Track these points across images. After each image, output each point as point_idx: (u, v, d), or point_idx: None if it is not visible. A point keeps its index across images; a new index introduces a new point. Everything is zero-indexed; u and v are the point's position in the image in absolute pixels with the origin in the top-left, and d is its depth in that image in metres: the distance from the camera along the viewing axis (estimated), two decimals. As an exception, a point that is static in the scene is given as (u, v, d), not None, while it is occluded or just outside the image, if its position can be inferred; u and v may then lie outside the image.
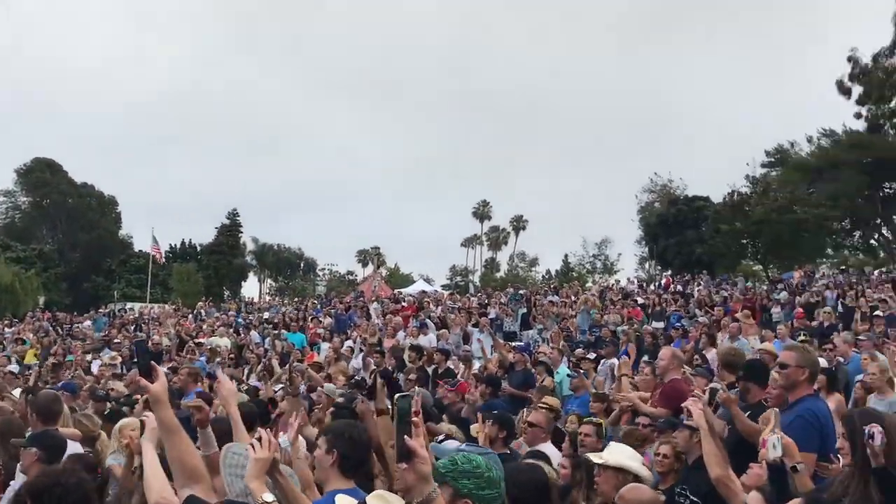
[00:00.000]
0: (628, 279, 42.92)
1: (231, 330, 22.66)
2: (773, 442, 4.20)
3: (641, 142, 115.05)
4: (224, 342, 18.57)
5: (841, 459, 3.90)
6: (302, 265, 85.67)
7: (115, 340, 20.76)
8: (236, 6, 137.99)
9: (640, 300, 25.53)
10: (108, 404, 8.78)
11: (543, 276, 72.25)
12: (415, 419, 2.58)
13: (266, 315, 28.34)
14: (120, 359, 16.64)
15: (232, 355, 16.56)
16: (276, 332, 20.80)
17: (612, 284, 38.31)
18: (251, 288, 77.08)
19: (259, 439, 3.09)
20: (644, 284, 38.38)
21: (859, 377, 8.87)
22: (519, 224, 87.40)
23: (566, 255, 70.26)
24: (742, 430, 5.00)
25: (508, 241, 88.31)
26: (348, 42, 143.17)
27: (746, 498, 3.88)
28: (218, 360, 15.77)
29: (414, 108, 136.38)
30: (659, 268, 52.43)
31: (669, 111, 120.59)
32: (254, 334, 21.39)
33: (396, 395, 2.67)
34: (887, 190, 46.10)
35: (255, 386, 11.53)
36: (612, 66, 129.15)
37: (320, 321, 23.39)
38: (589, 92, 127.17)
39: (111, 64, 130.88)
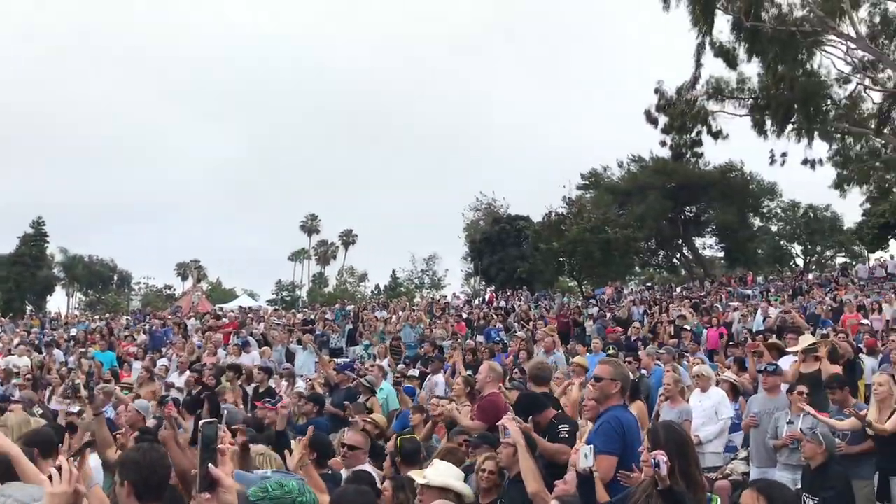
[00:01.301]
0: (454, 294, 43.84)
1: (32, 348, 20.82)
2: (585, 452, 4.39)
3: (469, 161, 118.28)
4: (23, 362, 17.02)
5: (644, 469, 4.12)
6: (115, 278, 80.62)
7: None
8: (54, 9, 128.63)
9: (465, 315, 26.13)
10: None
11: (372, 292, 72.24)
12: (221, 446, 2.44)
13: (73, 331, 26.34)
14: None
15: (30, 376, 15.19)
16: (84, 350, 19.36)
17: (439, 299, 39.00)
18: (59, 302, 71.53)
19: (59, 469, 2.65)
20: (470, 300, 39.38)
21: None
22: (348, 238, 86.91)
23: (394, 271, 70.72)
24: (545, 454, 5.22)
25: (337, 255, 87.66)
26: (164, 46, 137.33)
27: None
28: (14, 381, 14.41)
29: (236, 117, 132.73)
30: (483, 283, 53.93)
31: (498, 134, 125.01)
32: (57, 353, 19.77)
33: (201, 422, 2.50)
34: (688, 213, 50.27)
35: (55, 409, 10.65)
36: (443, 86, 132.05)
37: (133, 338, 22.07)
38: (420, 109, 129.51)
39: None
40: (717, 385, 9.31)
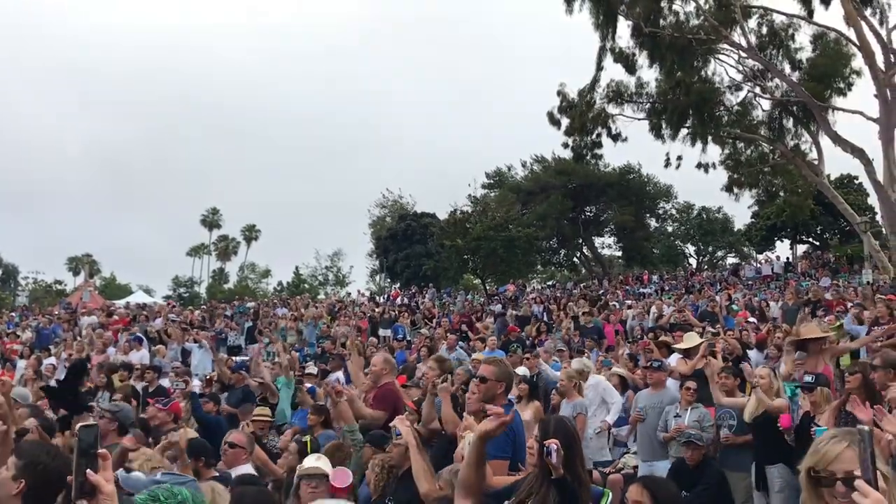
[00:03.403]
0: (359, 291, 43.60)
1: None
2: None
3: (375, 159, 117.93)
4: None
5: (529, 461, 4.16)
6: (0, 272, 76.38)
7: None
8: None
9: (367, 312, 25.97)
10: None
11: (275, 288, 70.88)
12: (101, 451, 2.30)
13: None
14: None
15: None
16: (-39, 349, 18.24)
17: (343, 296, 38.67)
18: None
19: None
20: (375, 297, 39.19)
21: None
22: (251, 234, 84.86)
23: (297, 267, 69.47)
24: (445, 420, 5.52)
25: (239, 250, 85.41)
26: (57, 30, 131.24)
27: None
28: None
29: (135, 107, 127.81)
30: (389, 280, 53.78)
31: (406, 133, 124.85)
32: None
33: (79, 425, 2.34)
34: (588, 213, 51.53)
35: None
36: (348, 84, 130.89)
37: (17, 335, 20.94)
38: (324, 106, 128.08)
39: None
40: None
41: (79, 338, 19.15)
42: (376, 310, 26.63)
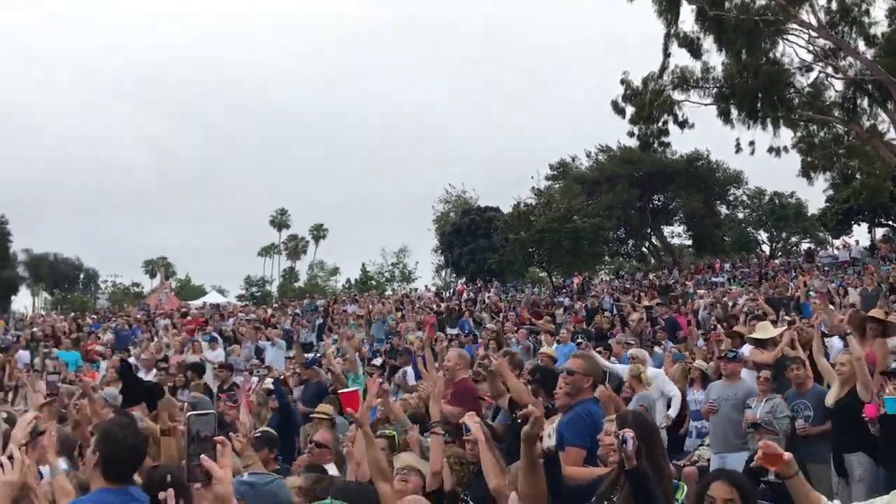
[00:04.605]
0: (425, 287, 43.84)
1: (-2, 350, 20.32)
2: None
3: (440, 153, 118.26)
4: (-14, 363, 16.63)
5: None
6: (82, 277, 79.42)
7: None
8: None
9: (435, 307, 26.10)
10: None
11: (344, 286, 71.85)
12: (219, 437, 2.39)
13: (35, 329, 25.77)
14: None
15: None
16: (47, 349, 18.99)
17: (410, 292, 38.95)
18: (24, 302, 70.06)
19: (10, 458, 2.71)
20: (441, 292, 39.37)
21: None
22: (319, 232, 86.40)
23: (363, 264, 70.22)
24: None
25: (308, 249, 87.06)
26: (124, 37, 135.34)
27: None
28: (-24, 383, 14.14)
29: (202, 113, 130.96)
30: (454, 275, 53.92)
31: (471, 126, 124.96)
32: (22, 353, 19.33)
33: (189, 413, 2.45)
34: (656, 202, 50.62)
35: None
36: (410, 77, 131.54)
37: (98, 337, 21.74)
38: (384, 104, 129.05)
39: None
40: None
41: (156, 338, 19.79)
42: (442, 306, 26.74)
